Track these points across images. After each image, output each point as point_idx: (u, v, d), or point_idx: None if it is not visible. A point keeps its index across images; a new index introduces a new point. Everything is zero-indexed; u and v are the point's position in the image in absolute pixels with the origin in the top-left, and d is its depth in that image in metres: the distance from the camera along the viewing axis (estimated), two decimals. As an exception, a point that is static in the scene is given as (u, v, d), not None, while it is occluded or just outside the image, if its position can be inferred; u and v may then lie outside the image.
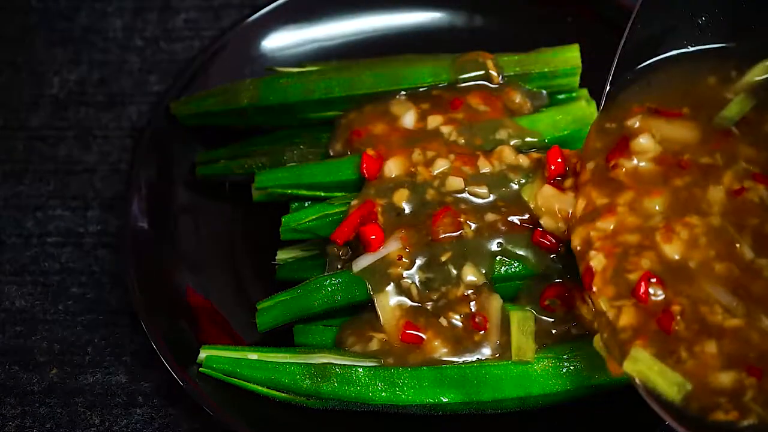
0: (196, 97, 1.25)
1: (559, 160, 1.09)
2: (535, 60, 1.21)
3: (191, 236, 1.22)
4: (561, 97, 1.22)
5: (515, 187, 1.10)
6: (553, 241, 1.06)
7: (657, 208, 1.01)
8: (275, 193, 1.17)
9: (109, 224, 1.30)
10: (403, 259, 1.07)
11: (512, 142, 1.14)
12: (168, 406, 1.16)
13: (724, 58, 1.08)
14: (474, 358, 1.05)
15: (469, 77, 1.20)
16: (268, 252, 1.18)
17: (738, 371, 0.91)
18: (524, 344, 1.04)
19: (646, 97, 1.08)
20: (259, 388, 1.06)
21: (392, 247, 1.07)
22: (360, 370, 1.05)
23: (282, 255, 1.18)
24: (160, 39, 1.47)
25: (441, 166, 1.12)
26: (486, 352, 1.05)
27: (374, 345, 1.06)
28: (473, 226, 1.08)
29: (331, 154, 1.18)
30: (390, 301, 1.07)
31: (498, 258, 1.07)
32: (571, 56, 1.20)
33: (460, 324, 1.06)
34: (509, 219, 1.09)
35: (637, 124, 1.06)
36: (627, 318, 0.95)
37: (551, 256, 1.07)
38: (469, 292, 1.06)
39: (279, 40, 1.33)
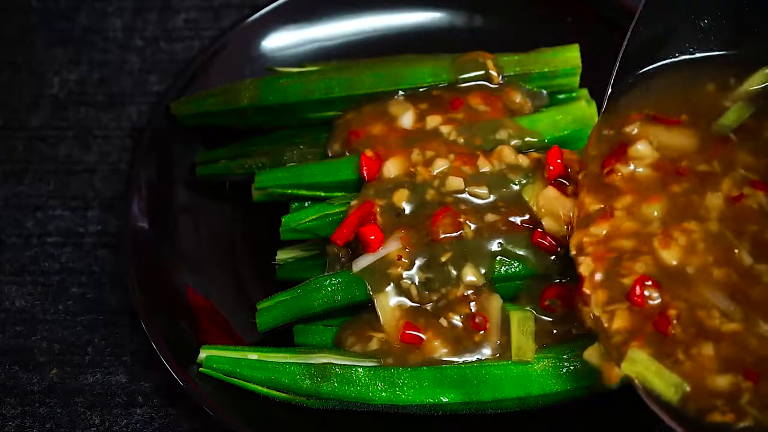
0: (196, 97, 1.25)
1: (559, 160, 1.09)
2: (535, 60, 1.21)
3: (191, 236, 1.22)
4: (561, 97, 1.22)
5: (515, 187, 1.10)
6: (553, 242, 1.06)
7: (655, 213, 1.01)
8: (275, 193, 1.17)
9: (109, 224, 1.30)
10: (403, 260, 1.07)
11: (512, 142, 1.14)
12: (168, 406, 1.16)
13: (723, 65, 1.08)
14: (474, 358, 1.05)
15: (469, 77, 1.20)
16: (268, 252, 1.18)
17: (735, 375, 0.91)
18: (524, 344, 1.04)
19: (645, 103, 1.08)
20: (259, 388, 1.06)
21: (392, 247, 1.07)
22: (360, 370, 1.05)
23: (282, 255, 1.18)
24: (160, 39, 1.47)
25: (440, 165, 1.12)
26: (486, 352, 1.05)
27: (374, 345, 1.06)
28: (473, 226, 1.08)
29: (330, 154, 1.18)
30: (390, 302, 1.07)
31: (498, 258, 1.07)
32: (571, 56, 1.20)
33: (460, 324, 1.06)
34: (509, 219, 1.09)
35: (635, 131, 1.06)
36: (620, 321, 0.96)
37: (551, 257, 1.07)
38: (469, 292, 1.06)
39: (279, 40, 1.33)
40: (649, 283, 0.96)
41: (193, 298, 1.16)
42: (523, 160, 1.12)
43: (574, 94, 1.22)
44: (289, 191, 1.16)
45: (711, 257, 0.98)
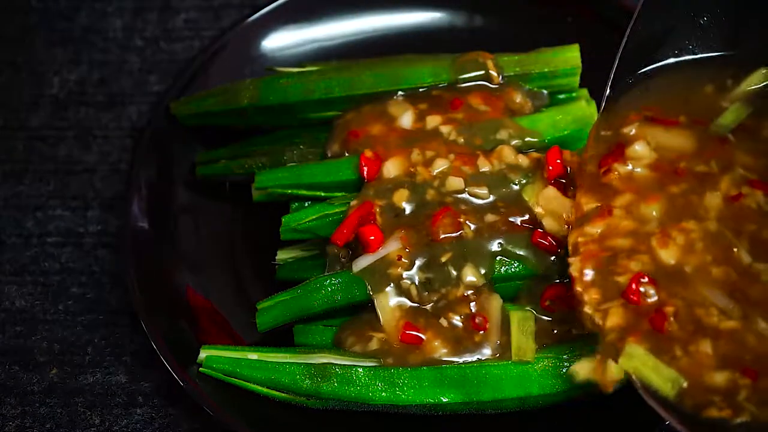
0: (196, 97, 1.25)
1: (559, 160, 1.09)
2: (535, 60, 1.21)
3: (191, 236, 1.22)
4: (561, 97, 1.22)
5: (515, 187, 1.10)
6: (553, 242, 1.06)
7: (654, 213, 1.01)
8: (275, 193, 1.17)
9: (109, 224, 1.30)
10: (403, 260, 1.07)
11: (512, 142, 1.14)
12: (168, 406, 1.16)
13: (721, 66, 1.08)
14: (474, 358, 1.05)
15: (469, 77, 1.20)
16: (268, 252, 1.18)
17: (732, 372, 0.92)
18: (524, 344, 1.04)
19: (643, 104, 1.08)
20: (259, 388, 1.06)
21: (392, 247, 1.07)
22: (360, 370, 1.05)
23: (282, 255, 1.18)
24: (160, 39, 1.47)
25: (440, 165, 1.12)
26: (486, 352, 1.05)
27: (374, 345, 1.06)
28: (473, 226, 1.08)
29: (329, 155, 1.18)
30: (390, 302, 1.07)
31: (498, 258, 1.07)
32: (571, 56, 1.20)
33: (460, 324, 1.06)
34: (509, 219, 1.09)
35: (633, 132, 1.06)
36: (615, 319, 0.96)
37: (551, 257, 1.07)
38: (469, 292, 1.06)
39: (279, 40, 1.33)
40: (645, 279, 0.97)
41: (193, 298, 1.16)
42: (523, 160, 1.12)
43: (574, 94, 1.22)
44: (289, 191, 1.16)
45: (710, 256, 0.98)
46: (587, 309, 0.98)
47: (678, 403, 0.92)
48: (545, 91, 1.21)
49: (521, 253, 1.07)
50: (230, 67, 1.29)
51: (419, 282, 1.06)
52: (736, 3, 1.08)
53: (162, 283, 1.16)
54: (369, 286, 1.07)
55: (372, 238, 1.07)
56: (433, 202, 1.10)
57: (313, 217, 1.13)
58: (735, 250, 0.98)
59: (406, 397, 1.04)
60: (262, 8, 1.32)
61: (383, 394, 1.04)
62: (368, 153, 1.14)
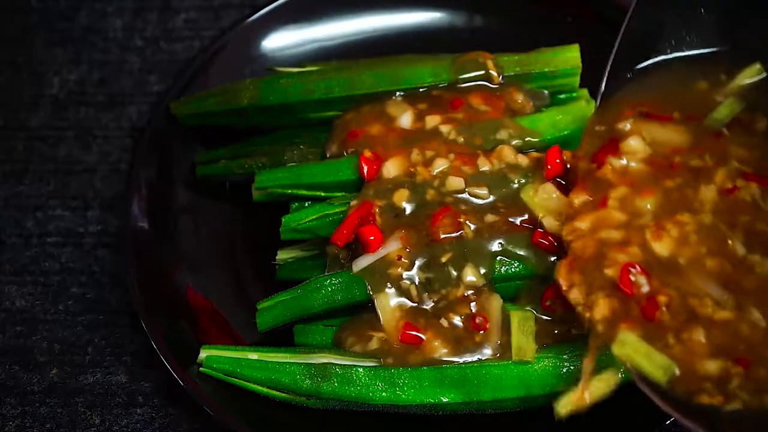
0: (196, 97, 1.25)
1: (558, 160, 1.09)
2: (535, 60, 1.21)
3: (191, 236, 1.22)
4: (561, 96, 1.22)
5: (515, 187, 1.10)
6: (553, 242, 1.06)
7: (648, 207, 1.02)
8: (275, 193, 1.17)
9: (109, 224, 1.30)
10: (403, 260, 1.06)
11: (513, 142, 1.14)
12: (168, 406, 1.16)
13: (715, 62, 1.09)
14: (474, 358, 1.05)
15: (469, 77, 1.20)
16: (268, 252, 1.18)
17: (725, 360, 0.92)
18: (524, 344, 1.04)
19: (638, 100, 1.09)
20: (259, 388, 1.06)
21: (392, 247, 1.07)
22: (360, 370, 1.05)
23: (282, 255, 1.18)
24: (160, 39, 1.47)
25: (440, 165, 1.12)
26: (486, 352, 1.05)
27: (374, 345, 1.06)
28: (473, 226, 1.08)
29: (328, 155, 1.18)
30: (390, 302, 1.07)
31: (498, 258, 1.07)
32: (571, 56, 1.20)
33: (460, 324, 1.06)
34: (509, 219, 1.09)
35: (628, 127, 1.07)
36: (603, 309, 0.96)
37: (551, 257, 1.07)
38: (470, 292, 1.06)
39: (279, 40, 1.33)
40: (636, 269, 0.97)
41: (193, 298, 1.16)
42: (523, 160, 1.12)
43: (574, 94, 1.22)
44: (289, 191, 1.16)
45: (704, 248, 0.99)
46: (572, 299, 0.98)
47: (670, 389, 0.92)
48: (546, 91, 1.21)
49: (521, 253, 1.07)
50: (230, 67, 1.29)
51: (419, 282, 1.06)
52: (727, 0, 1.09)
53: (162, 283, 1.16)
54: (369, 286, 1.07)
55: (372, 238, 1.07)
56: (433, 202, 1.10)
57: (313, 217, 1.13)
58: (729, 242, 0.98)
59: (407, 397, 1.04)
60: (262, 8, 1.32)
61: (383, 394, 1.04)
62: (368, 153, 1.14)
